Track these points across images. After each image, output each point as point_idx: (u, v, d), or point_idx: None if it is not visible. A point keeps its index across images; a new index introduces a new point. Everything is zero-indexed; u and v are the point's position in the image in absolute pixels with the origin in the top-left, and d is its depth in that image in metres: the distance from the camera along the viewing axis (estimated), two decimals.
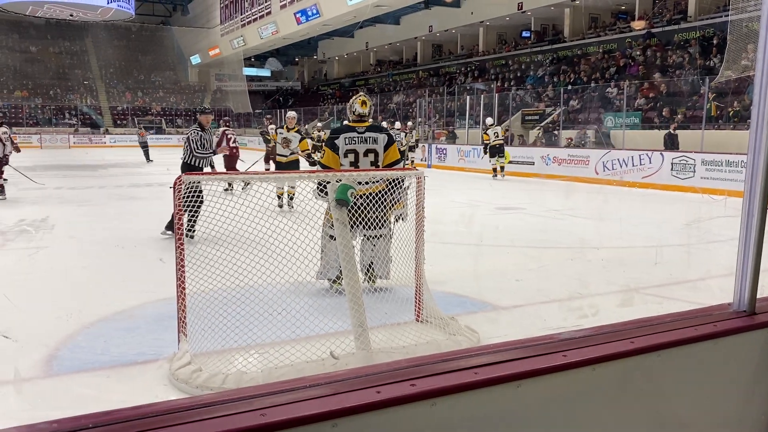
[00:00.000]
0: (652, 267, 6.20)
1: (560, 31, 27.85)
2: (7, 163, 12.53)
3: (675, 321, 1.76)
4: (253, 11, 37.12)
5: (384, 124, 16.34)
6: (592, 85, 21.36)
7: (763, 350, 1.81)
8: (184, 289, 3.45)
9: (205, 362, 3.32)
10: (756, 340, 1.79)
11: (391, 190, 4.36)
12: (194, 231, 5.90)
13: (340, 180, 3.69)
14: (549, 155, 17.30)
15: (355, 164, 4.98)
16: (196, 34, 45.65)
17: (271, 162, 14.48)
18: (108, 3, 35.94)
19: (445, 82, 31.27)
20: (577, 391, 1.53)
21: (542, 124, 21.37)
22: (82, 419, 1.11)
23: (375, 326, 3.58)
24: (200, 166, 7.63)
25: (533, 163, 17.66)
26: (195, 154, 7.47)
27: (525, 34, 30.12)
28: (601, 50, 24.05)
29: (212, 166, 7.97)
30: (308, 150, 10.42)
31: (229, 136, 13.27)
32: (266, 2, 35.44)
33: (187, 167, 7.48)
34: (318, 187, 4.41)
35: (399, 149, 5.56)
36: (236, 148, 13.45)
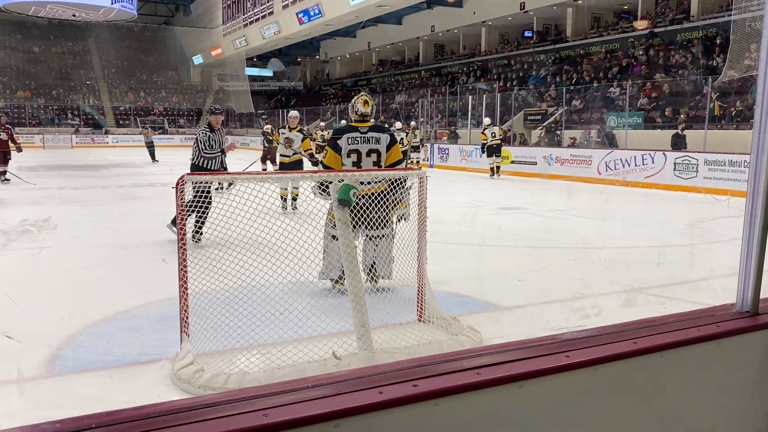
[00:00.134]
0: (654, 267, 6.19)
1: (563, 31, 27.82)
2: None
3: (678, 321, 1.75)
4: (255, 11, 37.13)
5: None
6: (595, 84, 21.34)
7: (766, 351, 1.80)
8: (186, 289, 3.45)
9: (208, 362, 3.32)
10: (759, 341, 1.79)
11: (394, 190, 4.36)
12: (201, 234, 5.85)
13: (343, 180, 3.69)
14: (551, 155, 17.29)
15: (357, 164, 4.98)
16: (198, 34, 45.69)
17: (268, 162, 14.49)
18: (112, 3, 35.99)
19: (447, 82, 31.26)
20: (580, 392, 1.53)
21: (544, 124, 21.36)
22: (85, 419, 1.11)
23: (377, 326, 3.58)
24: (208, 166, 7.44)
25: (535, 163, 17.65)
26: (203, 154, 7.36)
27: (527, 33, 30.10)
28: (603, 50, 24.02)
29: (224, 167, 7.84)
30: (311, 149, 10.33)
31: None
32: (268, 2, 35.45)
33: (195, 168, 7.40)
34: (318, 184, 4.41)
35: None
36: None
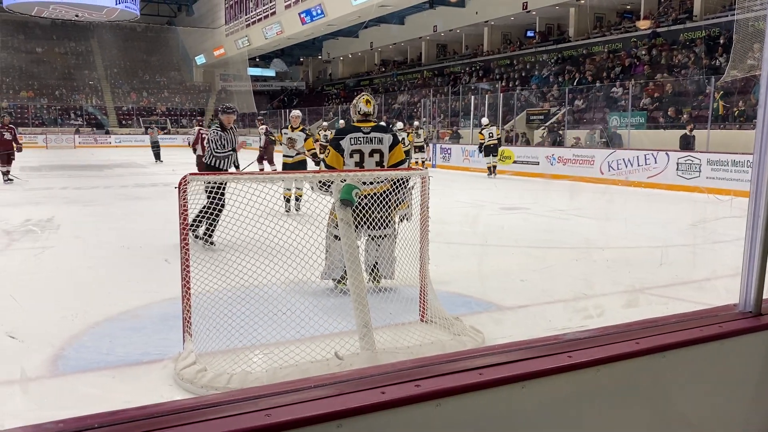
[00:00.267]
0: (657, 267, 6.18)
1: (565, 31, 27.81)
2: None
3: (680, 322, 1.75)
4: (257, 11, 37.16)
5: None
6: (597, 84, 21.31)
7: None
8: (189, 289, 3.46)
9: (210, 362, 3.33)
10: (762, 341, 1.78)
11: (396, 190, 4.36)
12: (212, 237, 5.79)
13: (345, 180, 3.69)
14: (554, 155, 17.28)
15: (360, 164, 4.98)
16: (200, 35, 45.75)
17: (265, 162, 14.46)
18: (116, 3, 36.05)
19: (449, 81, 31.26)
20: (582, 392, 1.53)
21: (547, 124, 21.35)
22: (87, 419, 1.11)
23: (379, 326, 3.58)
24: (221, 166, 7.29)
25: (538, 163, 17.64)
26: (214, 154, 7.24)
27: (530, 33, 30.10)
28: (606, 50, 24.00)
29: (236, 166, 7.73)
30: (314, 149, 10.18)
31: (203, 136, 13.38)
32: (271, 2, 35.47)
33: (207, 168, 7.30)
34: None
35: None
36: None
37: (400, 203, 4.51)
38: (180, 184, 3.51)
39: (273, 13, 35.41)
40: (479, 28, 31.44)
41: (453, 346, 3.60)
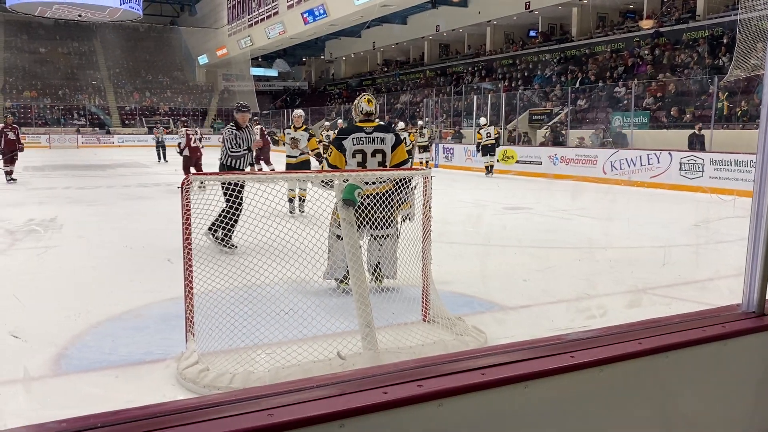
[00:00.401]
0: (660, 267, 6.17)
1: (568, 31, 27.78)
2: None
3: (683, 322, 1.75)
4: (260, 11, 37.19)
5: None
6: (600, 84, 21.30)
7: None
8: (191, 288, 3.46)
9: (213, 362, 3.33)
10: (765, 342, 1.78)
11: (399, 190, 4.36)
12: (231, 240, 5.70)
13: (348, 180, 3.69)
14: (556, 155, 17.27)
15: (362, 164, 4.98)
16: (203, 35, 45.80)
17: (262, 162, 14.42)
18: (119, 4, 36.12)
19: (452, 81, 31.25)
20: (585, 392, 1.52)
21: (549, 124, 21.33)
22: (90, 419, 1.11)
23: (382, 326, 3.58)
24: (238, 166, 7.13)
25: (540, 163, 17.63)
26: (230, 153, 7.09)
27: (532, 33, 30.08)
28: (609, 49, 23.97)
29: (252, 165, 7.63)
30: (318, 149, 9.89)
31: (190, 136, 13.37)
32: (273, 2, 35.50)
33: (224, 168, 7.16)
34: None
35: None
36: (198, 148, 13.46)
37: (402, 203, 4.51)
38: (183, 183, 3.51)
39: (275, 13, 35.44)
40: (482, 27, 31.43)
41: (455, 346, 3.59)
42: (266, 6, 36.33)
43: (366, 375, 1.35)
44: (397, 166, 5.04)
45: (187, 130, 13.48)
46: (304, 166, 9.53)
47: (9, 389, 3.30)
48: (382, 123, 5.24)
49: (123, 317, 4.39)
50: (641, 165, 14.64)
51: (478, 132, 17.68)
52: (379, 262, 4.81)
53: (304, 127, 9.78)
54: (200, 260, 3.53)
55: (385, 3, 27.06)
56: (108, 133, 41.03)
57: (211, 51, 45.86)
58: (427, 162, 19.35)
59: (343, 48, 43.41)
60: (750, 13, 14.17)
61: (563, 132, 20.05)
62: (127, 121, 44.27)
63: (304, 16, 32.08)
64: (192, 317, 3.49)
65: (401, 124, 19.30)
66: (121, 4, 36.26)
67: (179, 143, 14.07)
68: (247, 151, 7.21)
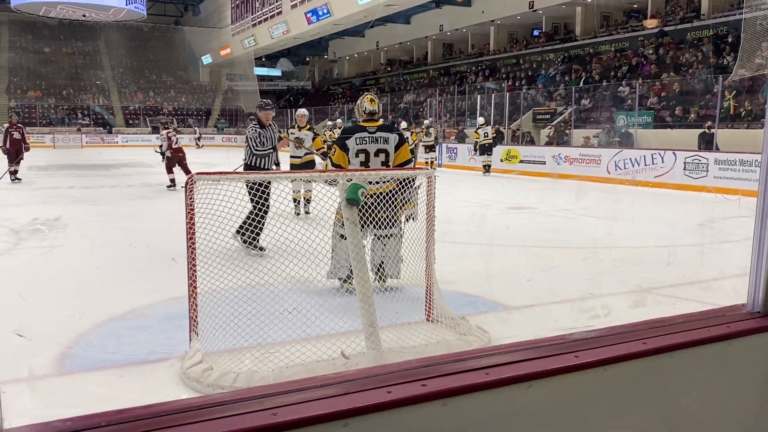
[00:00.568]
0: (664, 267, 6.16)
1: (572, 30, 27.73)
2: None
3: (688, 322, 1.74)
4: (263, 11, 37.22)
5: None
6: (604, 84, 21.25)
7: None
8: (195, 288, 3.47)
9: (217, 361, 3.34)
10: None
11: (402, 190, 4.36)
12: (258, 242, 5.33)
13: (351, 179, 3.69)
14: (560, 154, 17.24)
15: (365, 164, 4.98)
16: (207, 34, 45.86)
17: None
18: (125, 4, 36.19)
19: (455, 81, 31.21)
20: (589, 392, 1.52)
21: (553, 124, 21.30)
22: (94, 418, 1.11)
23: (385, 326, 3.58)
24: (263, 165, 6.91)
25: (544, 163, 17.61)
26: (255, 152, 6.89)
27: (536, 32, 30.03)
28: (612, 49, 23.91)
29: (277, 164, 7.47)
30: (323, 148, 9.66)
31: (171, 138, 13.35)
32: (277, 2, 35.53)
33: (249, 168, 6.94)
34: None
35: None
36: (180, 148, 13.45)
37: (406, 203, 4.51)
38: (187, 183, 3.51)
39: (279, 13, 35.46)
40: (485, 27, 31.39)
41: (459, 346, 3.59)
42: (270, 6, 36.36)
43: (370, 374, 1.35)
44: (401, 165, 5.04)
45: (167, 132, 13.43)
46: (309, 166, 9.33)
47: (14, 388, 3.31)
48: (385, 122, 5.24)
49: (127, 317, 4.40)
50: (645, 165, 14.60)
51: (476, 131, 17.87)
52: (382, 262, 4.81)
53: (308, 126, 9.62)
54: (204, 260, 3.53)
55: (388, 2, 27.06)
56: (110, 132, 41.11)
57: (215, 51, 45.92)
58: (432, 162, 19.35)
59: (346, 47, 43.40)
60: (755, 12, 14.13)
61: (567, 132, 20.01)
62: (131, 121, 44.35)
63: (308, 15, 32.10)
64: (196, 316, 3.49)
65: (404, 124, 19.29)
66: (125, 5, 36.33)
67: (161, 145, 14.00)
68: (271, 150, 6.99)
